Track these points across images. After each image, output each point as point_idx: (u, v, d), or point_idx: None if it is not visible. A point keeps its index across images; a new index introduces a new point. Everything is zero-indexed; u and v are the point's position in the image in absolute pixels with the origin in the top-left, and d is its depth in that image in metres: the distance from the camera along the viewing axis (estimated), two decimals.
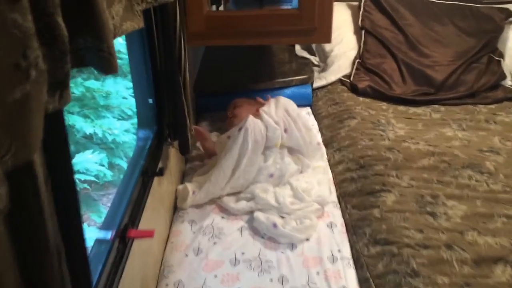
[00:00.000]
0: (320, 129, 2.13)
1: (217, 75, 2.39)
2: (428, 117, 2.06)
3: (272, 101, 1.72)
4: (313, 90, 2.39)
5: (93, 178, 3.18)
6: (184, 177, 1.84)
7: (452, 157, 1.71)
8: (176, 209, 1.64)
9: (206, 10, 1.69)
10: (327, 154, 1.93)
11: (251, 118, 1.58)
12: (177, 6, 1.28)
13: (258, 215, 1.52)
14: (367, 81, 2.25)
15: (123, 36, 1.34)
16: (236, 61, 2.43)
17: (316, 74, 2.47)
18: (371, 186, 1.60)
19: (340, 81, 2.40)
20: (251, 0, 2.45)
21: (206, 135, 1.85)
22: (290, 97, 2.31)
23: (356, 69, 2.35)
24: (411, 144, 1.80)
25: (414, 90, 2.23)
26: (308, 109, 2.32)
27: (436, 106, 2.16)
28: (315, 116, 2.26)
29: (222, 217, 1.58)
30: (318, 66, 2.58)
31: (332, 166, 1.84)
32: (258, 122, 1.60)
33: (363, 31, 2.43)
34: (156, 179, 1.36)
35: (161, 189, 1.44)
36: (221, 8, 3.01)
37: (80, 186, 3.20)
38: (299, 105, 2.35)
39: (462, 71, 2.28)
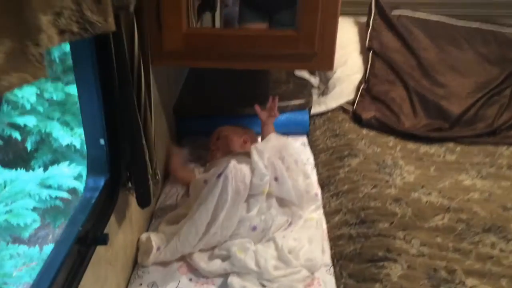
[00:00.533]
0: (316, 165, 1.84)
1: (202, 95, 2.10)
2: (442, 158, 1.78)
3: (271, 139, 1.43)
4: (311, 116, 2.11)
5: (66, 195, 2.90)
6: (152, 219, 1.56)
7: (470, 216, 1.42)
8: (136, 263, 1.36)
9: (186, 27, 1.41)
10: (322, 198, 1.65)
11: (233, 163, 1.29)
12: (135, 31, 0.99)
13: (233, 282, 1.24)
14: (372, 111, 1.97)
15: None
16: (225, 80, 2.15)
17: (314, 97, 2.19)
18: (372, 251, 1.31)
19: (341, 108, 2.11)
20: (260, 15, 2.17)
21: (175, 157, 1.64)
22: (284, 124, 2.03)
23: (361, 95, 2.06)
24: (422, 195, 1.52)
25: (425, 124, 1.95)
26: (304, 139, 2.04)
27: (451, 144, 1.87)
28: (311, 148, 1.98)
29: (190, 280, 1.30)
30: (317, 87, 2.29)
31: (328, 214, 1.56)
32: (241, 168, 1.31)
33: (370, 53, 2.14)
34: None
35: (112, 250, 1.16)
36: (217, 14, 2.73)
37: (51, 203, 2.93)
38: (293, 134, 2.07)
39: (481, 105, 1.99)
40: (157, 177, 1.27)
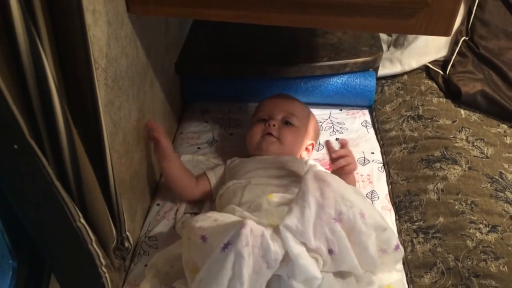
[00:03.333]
0: (386, 166, 1.22)
1: (215, 43, 1.44)
2: None
3: (309, 192, 0.75)
4: (377, 79, 1.43)
5: None
6: (134, 257, 1.01)
7: None
8: None
9: None
10: (400, 232, 1.05)
11: (250, 225, 0.68)
12: None
13: None
14: (478, 82, 1.28)
15: None
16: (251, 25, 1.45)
17: (384, 51, 1.47)
18: None
19: (426, 70, 1.42)
20: None
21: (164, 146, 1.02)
22: (339, 92, 1.38)
23: (460, 53, 1.36)
24: None
25: None
26: (366, 115, 1.39)
27: None
28: (377, 132, 1.33)
29: None
30: (389, 35, 1.56)
31: (412, 266, 0.97)
32: (264, 235, 0.69)
33: None
34: None
35: None
36: None
37: None
38: (351, 107, 1.42)
39: None
40: (128, 246, 0.68)
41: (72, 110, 0.47)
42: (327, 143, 0.94)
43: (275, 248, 0.69)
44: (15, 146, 0.38)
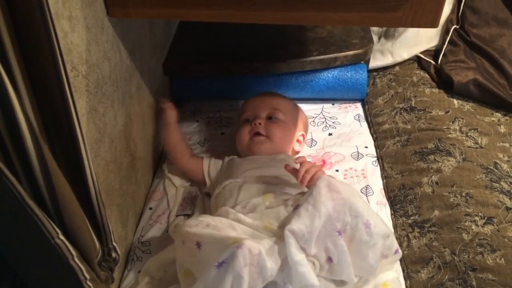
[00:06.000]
0: (380, 160, 1.20)
1: (204, 45, 1.41)
2: None
3: (321, 201, 0.73)
4: (369, 72, 1.41)
5: None
6: (127, 263, 1.00)
7: None
8: None
9: None
10: (395, 227, 1.04)
11: (248, 246, 0.67)
12: None
13: None
14: (471, 71, 1.26)
15: None
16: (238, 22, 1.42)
17: (375, 43, 1.45)
18: None
19: (417, 60, 1.40)
20: None
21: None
22: (330, 86, 1.36)
23: (451, 42, 1.34)
24: None
25: None
26: (358, 109, 1.37)
27: None
28: (370, 125, 1.32)
29: None
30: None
31: (409, 262, 0.96)
32: (261, 253, 0.69)
33: None
34: None
35: None
36: None
37: None
38: (343, 101, 1.41)
39: None
40: (115, 257, 0.67)
41: (45, 124, 0.46)
42: (286, 167, 0.91)
43: (271, 265, 0.68)
44: None
